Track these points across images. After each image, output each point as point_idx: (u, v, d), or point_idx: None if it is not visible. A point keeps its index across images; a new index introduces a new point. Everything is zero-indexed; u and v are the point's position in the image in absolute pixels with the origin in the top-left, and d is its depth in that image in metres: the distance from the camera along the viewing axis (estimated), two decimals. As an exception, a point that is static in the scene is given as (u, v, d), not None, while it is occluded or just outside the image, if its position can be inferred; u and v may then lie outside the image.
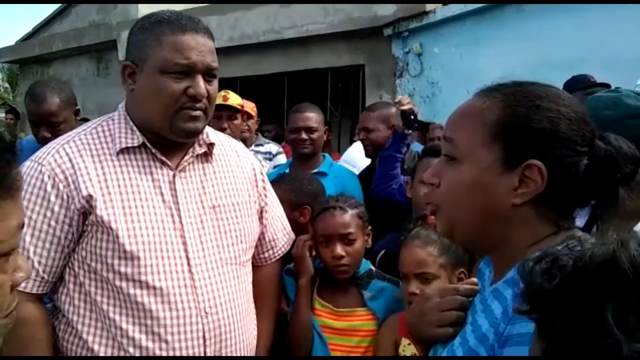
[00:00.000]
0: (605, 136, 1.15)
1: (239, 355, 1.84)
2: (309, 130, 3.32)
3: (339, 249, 2.18)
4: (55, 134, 2.62)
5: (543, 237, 1.12)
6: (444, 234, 1.24)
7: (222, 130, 3.59)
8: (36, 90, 3.03)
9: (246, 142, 4.52)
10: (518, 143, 1.11)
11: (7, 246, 0.88)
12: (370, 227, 2.30)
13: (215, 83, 1.80)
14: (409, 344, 1.93)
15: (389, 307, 2.16)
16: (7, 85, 20.61)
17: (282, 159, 4.43)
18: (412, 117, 2.86)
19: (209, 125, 1.94)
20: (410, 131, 3.21)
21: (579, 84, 4.03)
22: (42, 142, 2.68)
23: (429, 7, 6.57)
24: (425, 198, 1.23)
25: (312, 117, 3.36)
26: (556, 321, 0.59)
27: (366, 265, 2.27)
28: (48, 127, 2.95)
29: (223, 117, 3.83)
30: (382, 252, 2.49)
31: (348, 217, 2.22)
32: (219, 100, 3.74)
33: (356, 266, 2.22)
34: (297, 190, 2.49)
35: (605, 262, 0.59)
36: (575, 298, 0.58)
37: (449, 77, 6.49)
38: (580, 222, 2.09)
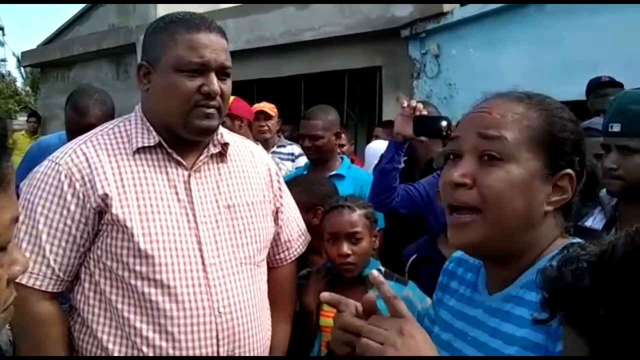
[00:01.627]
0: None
1: (252, 355, 1.84)
2: (313, 137, 3.32)
3: (345, 248, 2.20)
4: None
5: (552, 241, 1.15)
6: (480, 241, 1.14)
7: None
8: (80, 101, 3.04)
9: (267, 143, 4.54)
10: (558, 152, 1.14)
11: (3, 240, 0.88)
12: (378, 229, 2.31)
13: (229, 82, 1.81)
14: None
15: None
16: (28, 88, 20.85)
17: (305, 160, 4.45)
18: (446, 123, 2.52)
19: None
20: (426, 139, 3.18)
21: (592, 86, 4.04)
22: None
23: (446, 7, 6.54)
24: (456, 199, 1.14)
25: (317, 124, 3.35)
26: (598, 313, 0.61)
27: (374, 264, 2.27)
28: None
29: (227, 124, 3.85)
30: (414, 256, 2.48)
31: (356, 217, 2.24)
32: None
33: (362, 265, 2.23)
34: (309, 192, 2.50)
35: (629, 250, 0.63)
36: (613, 287, 0.61)
37: (466, 78, 6.45)
38: (595, 223, 2.08)
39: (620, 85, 3.85)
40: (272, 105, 4.79)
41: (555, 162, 1.13)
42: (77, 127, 2.98)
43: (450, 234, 1.19)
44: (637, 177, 1.92)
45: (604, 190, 2.65)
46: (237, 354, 1.79)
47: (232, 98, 3.92)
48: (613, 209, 2.09)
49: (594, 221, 2.09)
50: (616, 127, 1.95)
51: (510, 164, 1.11)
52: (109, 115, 3.07)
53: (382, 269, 2.27)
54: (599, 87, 3.99)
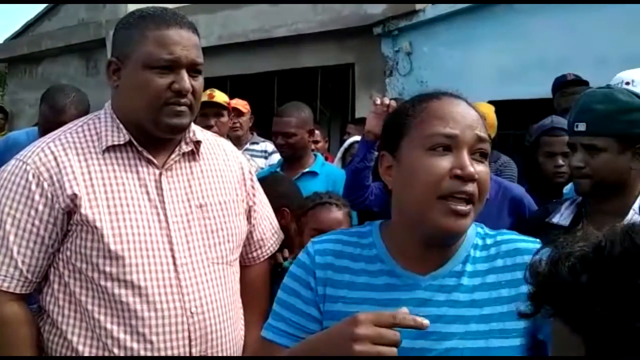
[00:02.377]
0: None
1: (225, 355, 1.83)
2: (286, 135, 3.30)
3: None
4: None
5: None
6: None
7: (209, 128, 3.57)
8: (57, 100, 3.00)
9: (240, 140, 4.50)
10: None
11: None
12: None
13: (201, 79, 1.78)
14: None
15: None
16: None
17: (278, 157, 4.43)
18: None
19: (195, 123, 1.93)
20: None
21: (556, 83, 4.08)
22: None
23: (419, 6, 6.58)
24: (471, 192, 1.22)
25: (290, 121, 3.32)
26: (596, 310, 0.61)
27: None
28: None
29: (209, 114, 3.81)
30: None
31: (341, 215, 2.27)
32: (204, 98, 3.73)
33: None
34: (273, 195, 2.48)
35: (627, 246, 0.63)
36: (611, 284, 0.61)
37: (438, 76, 6.50)
38: (562, 220, 2.11)
39: (586, 83, 3.90)
40: (245, 102, 4.76)
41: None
42: (52, 125, 2.93)
43: (449, 221, 1.20)
44: (604, 175, 1.96)
45: (568, 187, 2.70)
46: (209, 354, 1.77)
47: (225, 97, 3.93)
48: (578, 205, 2.13)
49: (561, 217, 2.12)
50: (581, 127, 1.99)
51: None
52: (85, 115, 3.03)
53: None
54: (565, 85, 4.03)
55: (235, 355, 1.89)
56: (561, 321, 0.66)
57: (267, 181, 2.67)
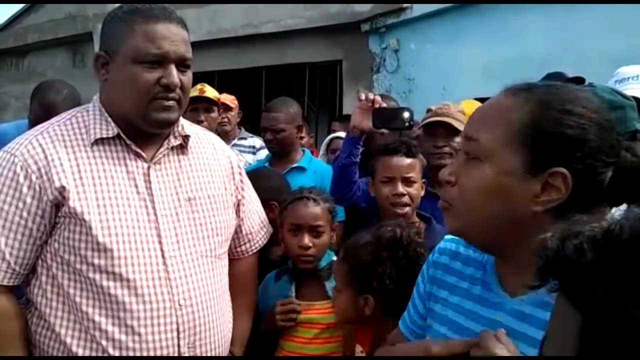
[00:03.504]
0: (631, 147, 1.10)
1: (214, 347, 1.84)
2: (274, 130, 3.30)
3: (307, 240, 2.21)
4: None
5: None
6: (455, 231, 1.20)
7: (199, 123, 3.58)
8: (48, 97, 3.00)
9: (228, 135, 4.50)
10: (545, 148, 1.06)
11: None
12: (339, 221, 2.34)
13: (189, 74, 1.79)
14: (362, 352, 1.97)
15: None
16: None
17: (266, 152, 4.43)
18: (408, 114, 2.54)
19: (186, 118, 1.93)
20: (386, 131, 3.20)
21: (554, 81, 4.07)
22: None
23: (406, 4, 6.61)
24: (441, 194, 1.21)
25: (279, 117, 3.32)
26: (596, 290, 0.62)
27: (329, 257, 2.30)
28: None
29: (199, 109, 3.82)
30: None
31: (319, 210, 2.26)
32: (195, 93, 3.74)
33: (320, 258, 2.26)
34: (261, 188, 2.49)
35: (636, 232, 0.63)
36: (615, 267, 0.61)
37: (425, 73, 6.53)
38: None
39: (582, 81, 3.91)
40: (232, 97, 4.76)
41: (541, 159, 1.06)
42: (41, 121, 2.92)
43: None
44: None
45: None
46: (197, 347, 1.78)
47: (215, 92, 3.93)
48: None
49: None
50: None
51: (486, 163, 1.11)
52: None
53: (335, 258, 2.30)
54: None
55: (223, 347, 1.90)
56: (564, 296, 0.67)
57: (257, 175, 2.68)
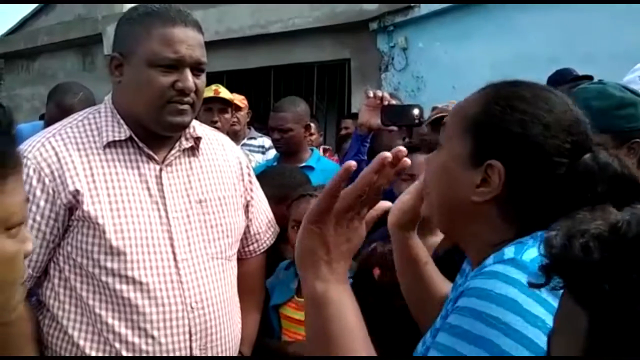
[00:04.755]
0: (596, 153, 1.10)
1: (225, 349, 1.85)
2: (282, 130, 3.32)
3: None
4: None
5: (504, 239, 1.09)
6: (425, 213, 1.27)
7: (213, 123, 3.60)
8: (64, 99, 3.06)
9: (238, 135, 4.52)
10: (485, 141, 1.11)
11: (21, 217, 0.95)
12: None
13: (203, 77, 1.79)
14: None
15: None
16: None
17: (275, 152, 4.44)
18: (418, 111, 2.53)
19: (199, 119, 1.94)
20: (395, 128, 3.19)
21: (563, 78, 4.04)
22: None
23: (414, 2, 6.60)
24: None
25: (286, 116, 3.34)
26: (603, 287, 0.62)
27: None
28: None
29: (214, 110, 3.84)
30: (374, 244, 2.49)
31: None
32: (210, 94, 3.76)
33: None
34: (281, 185, 2.50)
35: None
36: (622, 265, 0.62)
37: (433, 71, 6.51)
38: None
39: (591, 78, 3.88)
40: (242, 97, 4.77)
41: (480, 151, 1.11)
42: (56, 121, 2.97)
43: None
44: None
45: None
46: (209, 349, 1.79)
47: (229, 93, 3.94)
48: None
49: None
50: None
51: (444, 149, 1.18)
52: None
53: None
54: (574, 80, 3.98)
55: (233, 349, 1.91)
56: (570, 294, 0.67)
57: (279, 171, 2.69)
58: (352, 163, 0.97)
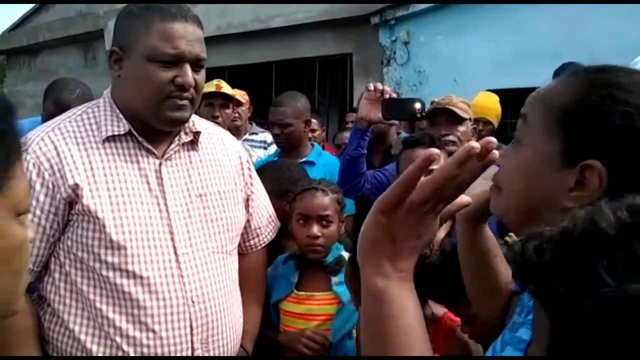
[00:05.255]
0: None
1: (226, 343, 1.85)
2: (281, 125, 3.30)
3: (316, 229, 2.23)
4: None
5: None
6: (497, 214, 1.12)
7: (215, 118, 3.60)
8: (62, 96, 3.07)
9: (239, 130, 4.51)
10: (581, 137, 0.95)
11: (27, 204, 0.95)
12: (347, 215, 2.36)
13: (203, 73, 1.79)
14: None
15: None
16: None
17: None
18: (420, 105, 2.48)
19: (201, 114, 1.93)
20: (397, 122, 3.17)
21: None
22: None
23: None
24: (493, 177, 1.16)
25: (286, 111, 3.32)
26: (557, 288, 0.63)
27: (337, 251, 2.31)
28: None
29: (215, 105, 3.84)
30: None
31: (327, 200, 2.27)
32: (211, 89, 3.75)
33: (328, 248, 2.27)
34: (280, 179, 2.50)
35: (586, 228, 0.65)
36: (570, 263, 0.63)
37: (435, 65, 6.51)
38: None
39: None
40: (243, 92, 4.77)
41: (575, 149, 0.95)
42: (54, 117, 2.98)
43: None
44: None
45: None
46: (210, 342, 1.79)
47: (230, 88, 3.94)
48: None
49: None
50: None
51: (525, 146, 1.03)
52: None
53: (346, 254, 2.31)
54: None
55: (235, 342, 1.91)
56: (534, 297, 0.69)
57: (279, 166, 2.69)
58: (435, 151, 0.85)
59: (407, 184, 0.86)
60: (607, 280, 0.61)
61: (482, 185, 1.15)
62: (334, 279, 2.23)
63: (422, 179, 0.87)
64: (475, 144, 0.83)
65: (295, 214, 2.28)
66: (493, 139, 0.85)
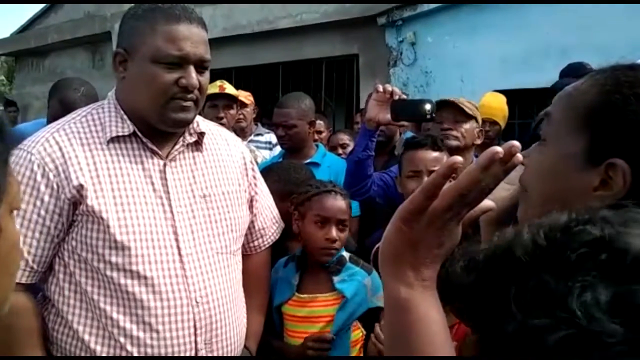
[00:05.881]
0: None
1: (229, 344, 1.85)
2: (286, 126, 3.29)
3: (334, 232, 2.22)
4: None
5: None
6: (522, 218, 1.08)
7: (219, 119, 3.60)
8: (67, 95, 3.08)
9: (244, 132, 4.52)
10: (604, 136, 0.94)
11: (19, 200, 0.94)
12: (353, 217, 2.36)
13: (207, 74, 1.79)
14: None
15: (356, 290, 2.21)
16: (3, 77, 20.52)
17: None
18: (430, 105, 2.42)
19: (205, 115, 1.93)
20: (407, 123, 3.15)
21: (575, 72, 4.01)
22: None
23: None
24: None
25: (290, 112, 3.30)
26: (476, 309, 0.63)
27: (339, 251, 2.30)
28: None
29: (219, 106, 3.84)
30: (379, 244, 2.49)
31: (345, 204, 2.28)
32: (215, 90, 3.75)
33: (339, 251, 2.28)
34: (285, 180, 2.50)
35: (504, 252, 0.63)
36: (488, 287, 0.62)
37: (442, 66, 6.49)
38: None
39: None
40: (247, 93, 4.77)
41: (600, 148, 0.94)
42: (60, 117, 2.99)
43: None
44: None
45: None
46: (214, 343, 1.79)
47: (234, 89, 3.95)
48: None
49: None
50: None
51: (549, 145, 1.02)
52: None
53: (347, 254, 2.30)
54: (584, 75, 3.94)
55: (238, 343, 1.91)
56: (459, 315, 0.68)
57: (284, 167, 2.69)
58: (458, 159, 0.83)
59: (430, 191, 0.84)
60: (512, 308, 0.59)
61: (503, 189, 1.12)
62: (336, 278, 2.23)
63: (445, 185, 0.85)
64: (499, 149, 0.81)
65: (313, 215, 2.26)
66: (516, 143, 0.83)
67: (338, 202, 2.26)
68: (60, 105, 2.99)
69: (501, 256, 0.63)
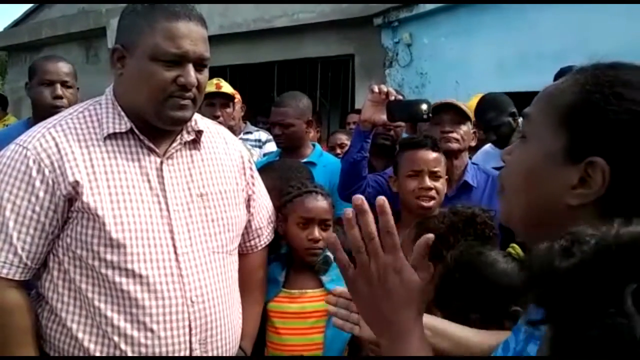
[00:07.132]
0: None
1: (225, 343, 1.84)
2: (283, 125, 3.27)
3: (317, 233, 2.22)
4: (67, 97, 2.97)
5: None
6: (503, 218, 1.08)
7: (216, 117, 3.59)
8: (49, 56, 3.32)
9: (232, 130, 4.48)
10: (585, 134, 0.94)
11: None
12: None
13: (206, 72, 1.78)
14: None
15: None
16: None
17: (272, 146, 4.39)
18: (426, 106, 2.46)
19: (202, 114, 1.92)
20: (403, 124, 3.14)
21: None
22: (55, 99, 3.00)
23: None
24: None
25: (287, 111, 3.28)
26: (568, 303, 0.58)
27: (323, 251, 2.29)
28: (62, 86, 3.08)
29: (216, 104, 3.83)
30: None
31: (328, 204, 2.27)
32: (212, 88, 3.74)
33: (324, 251, 2.27)
34: (286, 178, 2.49)
35: (632, 242, 0.58)
36: (593, 278, 0.57)
37: (438, 67, 6.50)
38: None
39: None
40: (234, 91, 4.76)
41: (578, 146, 0.94)
42: (53, 75, 3.08)
43: None
44: None
45: None
46: (209, 343, 1.78)
47: (230, 87, 3.93)
48: None
49: None
50: None
51: (529, 143, 1.02)
52: (76, 75, 3.23)
53: (330, 254, 2.29)
54: None
55: (234, 343, 1.90)
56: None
57: (286, 165, 2.68)
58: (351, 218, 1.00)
59: (343, 262, 1.00)
60: (629, 309, 0.54)
61: None
62: (324, 278, 2.22)
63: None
64: (348, 211, 0.99)
65: (295, 216, 2.25)
66: (358, 198, 1.01)
67: (320, 203, 2.25)
68: (47, 61, 3.16)
69: (625, 246, 0.57)
